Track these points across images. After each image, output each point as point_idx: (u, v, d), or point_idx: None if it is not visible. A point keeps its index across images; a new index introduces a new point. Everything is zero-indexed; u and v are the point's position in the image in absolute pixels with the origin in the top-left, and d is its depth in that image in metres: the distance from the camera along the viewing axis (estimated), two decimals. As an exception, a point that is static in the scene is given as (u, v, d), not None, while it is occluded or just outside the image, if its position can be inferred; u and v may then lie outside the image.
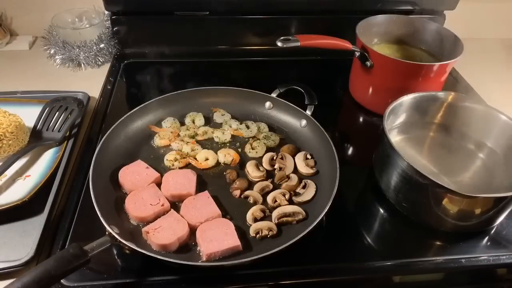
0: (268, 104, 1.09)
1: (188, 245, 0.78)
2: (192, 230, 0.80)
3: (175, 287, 0.74)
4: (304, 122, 1.03)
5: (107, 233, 0.72)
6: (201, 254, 0.76)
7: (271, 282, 0.76)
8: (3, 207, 0.81)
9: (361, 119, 1.19)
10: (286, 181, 0.92)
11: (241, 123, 1.06)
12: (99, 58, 1.31)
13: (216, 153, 0.98)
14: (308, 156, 0.97)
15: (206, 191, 0.87)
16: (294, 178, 0.92)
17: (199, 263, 0.74)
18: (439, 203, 0.79)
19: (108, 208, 0.81)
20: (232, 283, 0.74)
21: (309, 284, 0.77)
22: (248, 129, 1.05)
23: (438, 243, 0.85)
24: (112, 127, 0.95)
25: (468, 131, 0.97)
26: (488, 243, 0.84)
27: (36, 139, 0.98)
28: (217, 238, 0.76)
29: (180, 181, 0.86)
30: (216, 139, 1.02)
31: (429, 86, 1.06)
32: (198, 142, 1.01)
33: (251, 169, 0.93)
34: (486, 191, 0.77)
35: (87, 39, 1.28)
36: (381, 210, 0.90)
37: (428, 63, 1.05)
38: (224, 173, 0.94)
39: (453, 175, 0.91)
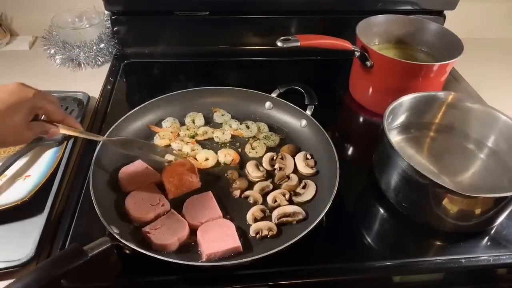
0: (268, 104, 1.09)
1: (188, 245, 0.78)
2: (193, 230, 0.80)
3: (175, 287, 0.74)
4: (304, 122, 1.03)
5: (107, 233, 0.72)
6: (201, 254, 0.76)
7: (271, 282, 0.76)
8: (3, 207, 0.81)
9: (361, 119, 1.19)
10: (286, 181, 0.92)
11: (241, 123, 1.06)
12: (99, 58, 1.31)
13: (216, 153, 0.98)
14: (308, 156, 0.97)
15: (210, 192, 0.87)
16: (294, 178, 0.92)
17: (199, 263, 0.74)
18: (439, 203, 0.79)
19: (108, 208, 0.81)
20: (232, 283, 0.74)
21: (309, 284, 0.77)
22: (248, 129, 1.05)
23: (438, 243, 0.85)
24: (112, 127, 0.95)
25: (468, 131, 0.98)
26: (488, 243, 0.84)
27: (36, 139, 0.97)
28: (218, 238, 0.76)
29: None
30: (216, 139, 1.02)
31: (429, 86, 1.06)
32: (198, 142, 1.01)
33: (251, 169, 0.93)
34: (486, 191, 0.77)
35: (87, 39, 1.28)
36: (381, 210, 0.90)
37: (428, 63, 1.05)
38: (226, 174, 0.93)
39: (453, 175, 0.91)
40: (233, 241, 0.76)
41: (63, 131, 0.72)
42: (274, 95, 1.08)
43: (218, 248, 0.75)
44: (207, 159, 0.97)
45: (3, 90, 0.63)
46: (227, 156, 0.97)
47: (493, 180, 0.90)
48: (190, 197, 0.85)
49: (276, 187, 0.91)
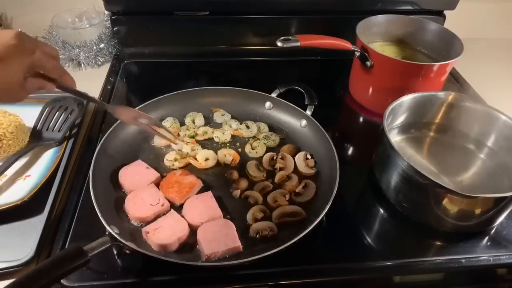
0: (268, 104, 1.09)
1: (188, 245, 0.78)
2: (193, 230, 0.80)
3: (175, 287, 0.74)
4: (304, 122, 1.03)
5: (107, 233, 0.72)
6: (201, 254, 0.76)
7: (271, 282, 0.76)
8: (3, 207, 0.81)
9: (361, 119, 1.19)
10: (286, 181, 0.92)
11: (241, 123, 1.06)
12: (99, 58, 1.31)
13: (216, 153, 0.98)
14: (308, 156, 0.97)
15: (210, 192, 0.87)
16: (294, 178, 0.92)
17: (199, 263, 0.74)
18: (439, 203, 0.79)
19: (108, 208, 0.81)
20: (232, 283, 0.74)
21: (309, 284, 0.77)
22: (248, 129, 1.05)
23: (438, 243, 0.85)
24: (112, 127, 0.95)
25: (468, 131, 0.98)
26: (488, 243, 0.84)
27: (36, 139, 0.98)
28: (218, 238, 0.76)
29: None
30: (216, 139, 1.02)
31: (429, 86, 1.06)
32: (198, 142, 1.01)
33: (251, 169, 0.93)
34: (486, 191, 0.77)
35: (87, 39, 1.28)
36: (381, 210, 0.90)
37: (428, 63, 1.05)
38: (226, 174, 0.94)
39: (453, 175, 0.91)
40: (233, 241, 0.76)
41: (60, 88, 0.69)
42: (274, 95, 1.08)
43: (218, 248, 0.75)
44: (207, 159, 0.97)
45: (1, 41, 0.57)
46: (227, 156, 0.97)
47: (493, 180, 0.90)
48: (190, 197, 0.85)
49: (276, 187, 0.91)
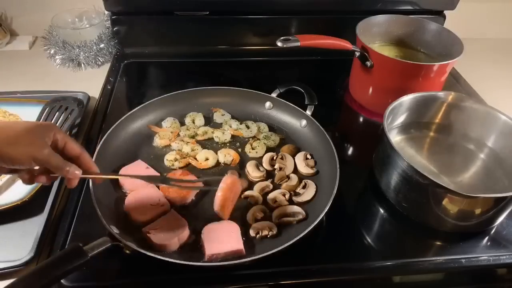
0: (268, 104, 1.09)
1: (188, 245, 0.78)
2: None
3: (175, 287, 0.74)
4: (304, 122, 1.03)
5: (107, 233, 0.72)
6: (203, 254, 0.76)
7: (271, 282, 0.76)
8: (3, 207, 0.81)
9: (361, 119, 1.19)
10: (286, 181, 0.92)
11: (241, 123, 1.06)
12: (99, 58, 1.31)
13: (216, 153, 0.98)
14: (308, 156, 0.97)
15: None
16: (294, 178, 0.92)
17: (199, 263, 0.74)
18: (439, 203, 0.79)
19: (108, 208, 0.81)
20: (232, 283, 0.74)
21: (309, 284, 0.77)
22: (248, 129, 1.05)
23: (438, 243, 0.85)
24: (112, 127, 0.95)
25: (468, 131, 0.97)
26: (488, 243, 0.84)
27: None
28: (222, 240, 0.76)
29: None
30: (216, 139, 1.02)
31: (429, 86, 1.06)
32: (198, 142, 1.01)
33: (251, 169, 0.93)
34: (486, 191, 0.77)
35: (87, 39, 1.28)
36: (381, 210, 0.90)
37: (428, 63, 1.05)
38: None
39: (453, 175, 0.91)
40: (236, 244, 0.76)
41: (83, 175, 0.68)
42: (274, 95, 1.08)
43: (221, 249, 0.75)
44: (207, 159, 0.97)
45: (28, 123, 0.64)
46: (227, 156, 0.97)
47: (493, 180, 0.90)
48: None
49: (276, 187, 0.91)
